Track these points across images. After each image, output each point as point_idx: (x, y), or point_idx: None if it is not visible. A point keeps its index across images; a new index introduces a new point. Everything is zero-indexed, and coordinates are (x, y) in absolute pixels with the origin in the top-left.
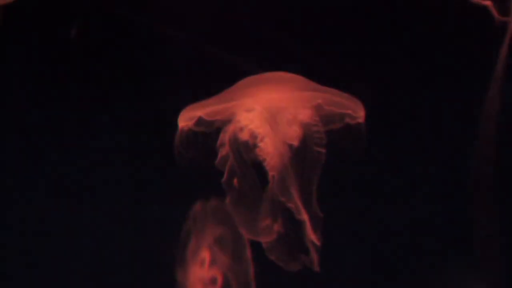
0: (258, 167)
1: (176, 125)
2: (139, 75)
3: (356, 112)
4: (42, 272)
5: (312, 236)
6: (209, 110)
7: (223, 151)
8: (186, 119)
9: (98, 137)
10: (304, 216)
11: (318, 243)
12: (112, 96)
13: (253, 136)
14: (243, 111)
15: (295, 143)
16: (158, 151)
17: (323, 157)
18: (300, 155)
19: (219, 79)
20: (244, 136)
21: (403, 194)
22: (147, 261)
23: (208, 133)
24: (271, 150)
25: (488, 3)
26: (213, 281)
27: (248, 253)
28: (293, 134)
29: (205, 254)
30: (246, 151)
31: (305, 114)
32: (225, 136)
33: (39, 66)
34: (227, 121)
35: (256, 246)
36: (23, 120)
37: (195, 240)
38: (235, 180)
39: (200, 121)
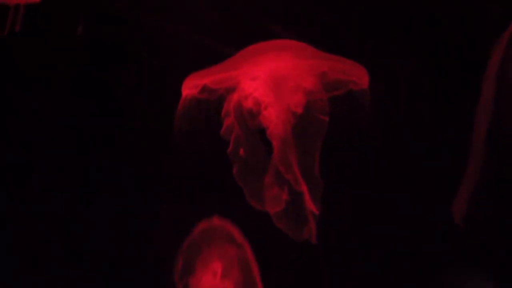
0: (263, 136)
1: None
2: (144, 71)
3: (360, 78)
4: (41, 272)
5: (311, 206)
6: (214, 78)
7: (228, 121)
8: (190, 87)
9: (99, 134)
10: (303, 187)
11: (317, 212)
12: (116, 93)
13: (257, 104)
14: (247, 79)
15: (299, 110)
16: (160, 148)
17: (326, 125)
18: (303, 123)
19: None
20: (248, 104)
21: (406, 171)
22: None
23: (211, 100)
24: (274, 119)
25: None
26: None
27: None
28: (297, 102)
29: (218, 265)
30: (250, 119)
31: (309, 82)
32: (229, 105)
33: (46, 64)
34: (231, 89)
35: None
36: (30, 117)
37: (205, 251)
38: (241, 150)
39: (204, 89)
